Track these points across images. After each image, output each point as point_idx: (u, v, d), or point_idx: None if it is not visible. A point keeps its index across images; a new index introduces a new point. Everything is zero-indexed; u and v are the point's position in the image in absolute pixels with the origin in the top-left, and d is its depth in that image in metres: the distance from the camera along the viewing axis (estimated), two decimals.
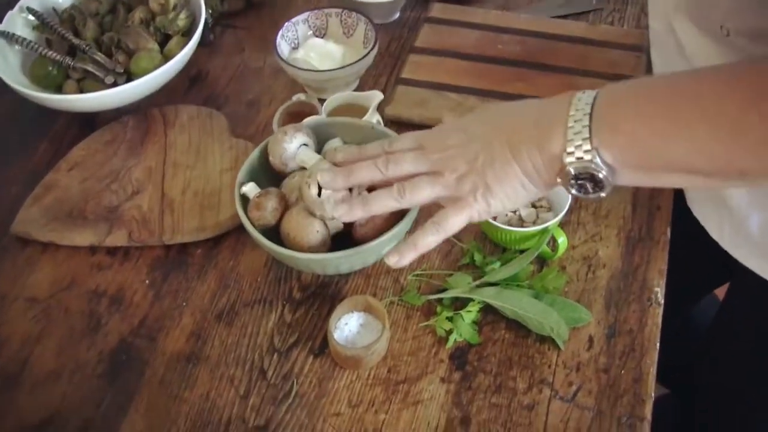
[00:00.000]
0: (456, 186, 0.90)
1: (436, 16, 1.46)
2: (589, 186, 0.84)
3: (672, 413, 1.69)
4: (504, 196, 0.90)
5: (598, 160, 0.81)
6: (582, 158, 0.82)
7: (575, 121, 0.82)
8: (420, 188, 0.92)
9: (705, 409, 1.51)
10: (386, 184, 0.95)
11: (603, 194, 0.85)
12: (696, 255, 1.27)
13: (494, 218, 1.14)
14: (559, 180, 0.86)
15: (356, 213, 0.96)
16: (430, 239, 0.93)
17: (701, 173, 0.80)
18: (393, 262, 0.94)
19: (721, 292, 1.49)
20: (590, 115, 0.81)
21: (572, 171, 0.83)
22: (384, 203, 0.95)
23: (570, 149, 0.82)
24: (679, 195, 1.24)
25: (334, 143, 1.16)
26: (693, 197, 1.20)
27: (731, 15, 0.95)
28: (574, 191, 0.85)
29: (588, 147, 0.81)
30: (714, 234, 1.17)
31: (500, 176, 0.88)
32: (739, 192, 1.08)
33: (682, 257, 1.23)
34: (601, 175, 0.82)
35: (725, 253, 1.16)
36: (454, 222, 0.92)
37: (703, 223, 1.18)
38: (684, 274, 1.27)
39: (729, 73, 0.79)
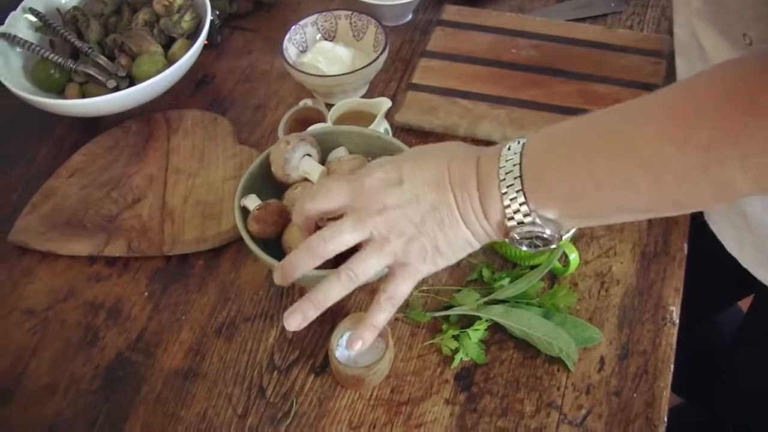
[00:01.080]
0: (404, 251, 0.85)
1: (448, 19, 1.42)
2: (538, 242, 0.82)
3: (687, 424, 1.65)
4: (452, 255, 0.86)
5: (538, 221, 0.80)
6: (523, 222, 0.80)
7: (508, 186, 0.80)
8: (369, 264, 0.86)
9: (727, 421, 1.47)
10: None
11: (553, 246, 0.82)
12: (716, 268, 1.23)
13: None
14: (507, 241, 0.84)
15: (310, 316, 0.88)
16: (387, 315, 0.88)
17: (637, 210, 0.79)
18: (357, 348, 0.89)
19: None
20: (521, 177, 0.79)
21: (517, 236, 0.82)
22: (337, 294, 0.87)
23: (509, 214, 0.80)
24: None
25: (339, 152, 1.12)
26: (711, 214, 1.16)
27: (754, 23, 0.91)
28: (524, 248, 0.83)
29: (526, 210, 0.79)
30: (733, 251, 1.13)
31: (450, 238, 0.84)
32: (761, 209, 1.04)
33: (701, 270, 1.18)
34: (546, 234, 0.81)
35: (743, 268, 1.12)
36: (405, 290, 0.88)
37: (721, 239, 1.14)
38: (703, 288, 1.23)
39: (643, 105, 0.76)
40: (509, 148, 0.81)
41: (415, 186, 0.84)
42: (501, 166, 0.80)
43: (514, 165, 0.79)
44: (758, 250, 1.08)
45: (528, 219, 0.79)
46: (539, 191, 0.79)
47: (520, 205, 0.79)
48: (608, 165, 0.76)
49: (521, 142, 0.81)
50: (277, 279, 0.91)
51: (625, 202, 0.77)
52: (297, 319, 0.88)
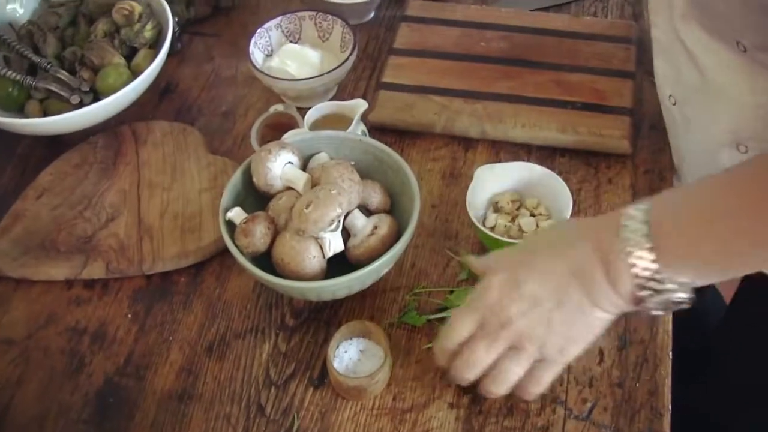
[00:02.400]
0: (540, 352, 0.87)
1: (413, 15, 1.39)
2: (672, 306, 0.82)
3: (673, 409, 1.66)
4: (588, 336, 0.87)
5: (673, 286, 0.79)
6: (659, 290, 0.80)
7: (638, 258, 0.79)
8: (511, 375, 0.89)
9: (717, 404, 1.47)
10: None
11: (685, 306, 0.82)
12: None
13: (492, 229, 1.09)
14: (639, 308, 0.83)
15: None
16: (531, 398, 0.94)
17: None
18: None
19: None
20: (651, 248, 0.78)
21: (651, 305, 0.81)
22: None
23: (641, 283, 0.80)
24: None
25: (321, 158, 1.10)
26: None
27: (747, 31, 0.91)
28: (659, 313, 0.83)
29: (661, 278, 0.79)
30: None
31: (581, 325, 0.86)
32: None
33: None
34: (681, 298, 0.81)
35: None
36: (549, 380, 0.90)
37: None
38: None
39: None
40: (631, 217, 0.81)
41: (534, 285, 0.85)
42: (626, 237, 0.80)
43: (642, 236, 0.79)
44: None
45: (662, 287, 0.79)
46: (673, 258, 0.79)
47: (654, 273, 0.79)
48: (740, 227, 0.77)
49: (641, 209, 0.81)
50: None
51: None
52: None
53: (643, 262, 0.79)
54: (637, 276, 0.79)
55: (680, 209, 0.81)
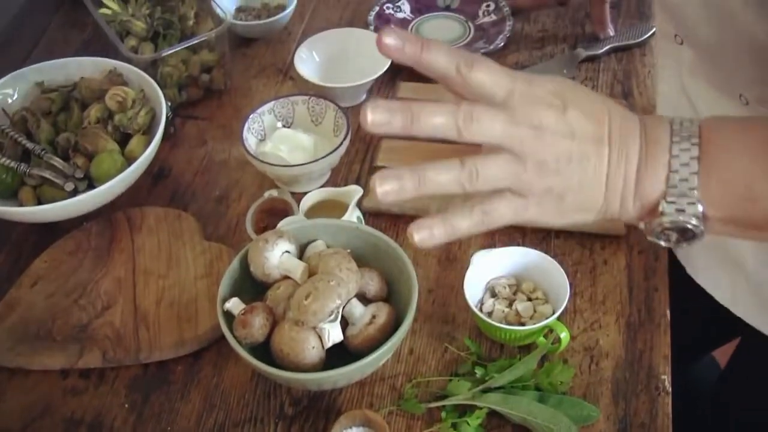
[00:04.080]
0: (531, 182, 0.74)
1: (405, 97, 1.41)
2: (673, 237, 0.74)
3: None
4: (566, 213, 0.76)
5: (698, 209, 0.71)
6: (683, 210, 0.71)
7: (681, 165, 0.71)
8: (492, 171, 0.73)
9: None
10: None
11: (685, 245, 0.74)
12: (695, 320, 1.24)
13: (490, 314, 1.09)
14: (641, 225, 0.75)
15: (407, 189, 0.74)
16: (469, 224, 0.76)
17: None
18: (419, 238, 0.76)
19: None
20: (698, 158, 0.70)
21: (665, 223, 0.73)
22: (445, 183, 0.75)
23: (671, 199, 0.72)
24: (675, 265, 1.22)
25: (318, 246, 1.10)
26: (698, 265, 1.18)
27: (751, 85, 0.93)
28: (652, 238, 0.75)
29: (692, 199, 0.71)
30: (725, 301, 1.14)
31: (580, 194, 0.75)
32: (757, 254, 1.06)
33: (680, 324, 1.19)
34: (694, 230, 0.72)
35: (728, 316, 1.15)
36: (503, 217, 0.76)
37: (711, 291, 1.15)
38: (682, 339, 1.24)
39: None
40: (681, 124, 0.73)
41: (576, 119, 0.73)
42: (675, 140, 0.72)
43: (693, 144, 0.71)
44: (752, 296, 1.10)
45: (690, 209, 0.71)
46: (715, 179, 0.71)
47: (690, 189, 0.71)
48: None
49: (694, 122, 0.73)
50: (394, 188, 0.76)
51: None
52: (391, 184, 0.75)
53: (684, 173, 0.70)
54: (671, 186, 0.71)
55: (729, 133, 0.74)
